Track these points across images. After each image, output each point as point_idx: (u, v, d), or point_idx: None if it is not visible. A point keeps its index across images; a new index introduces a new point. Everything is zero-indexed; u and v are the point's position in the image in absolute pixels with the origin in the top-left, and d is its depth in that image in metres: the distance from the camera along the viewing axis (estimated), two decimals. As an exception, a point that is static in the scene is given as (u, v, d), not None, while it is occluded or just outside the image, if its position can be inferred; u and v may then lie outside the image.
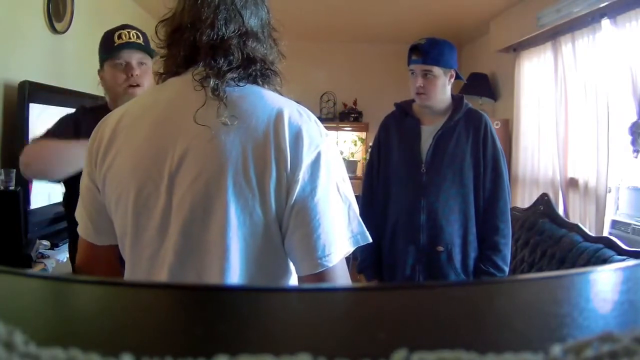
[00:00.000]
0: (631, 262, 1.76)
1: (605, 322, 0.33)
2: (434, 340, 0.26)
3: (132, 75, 1.51)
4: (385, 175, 1.90)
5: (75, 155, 1.31)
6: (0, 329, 0.25)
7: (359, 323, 0.32)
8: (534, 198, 3.22)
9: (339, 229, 0.86)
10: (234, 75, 0.86)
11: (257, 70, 0.89)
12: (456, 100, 1.87)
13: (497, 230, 1.78)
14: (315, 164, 0.84)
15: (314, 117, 0.90)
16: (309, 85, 5.27)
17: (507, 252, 1.80)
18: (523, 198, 3.76)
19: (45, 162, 1.43)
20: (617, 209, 3.01)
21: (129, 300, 0.38)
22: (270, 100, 0.87)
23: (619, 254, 2.18)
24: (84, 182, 0.96)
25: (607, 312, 0.34)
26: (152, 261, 0.89)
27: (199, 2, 0.87)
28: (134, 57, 1.53)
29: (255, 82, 0.90)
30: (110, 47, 1.53)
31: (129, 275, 0.93)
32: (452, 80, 1.84)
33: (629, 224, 2.81)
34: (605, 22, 2.87)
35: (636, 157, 2.64)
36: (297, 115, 0.86)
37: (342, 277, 0.88)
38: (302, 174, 0.83)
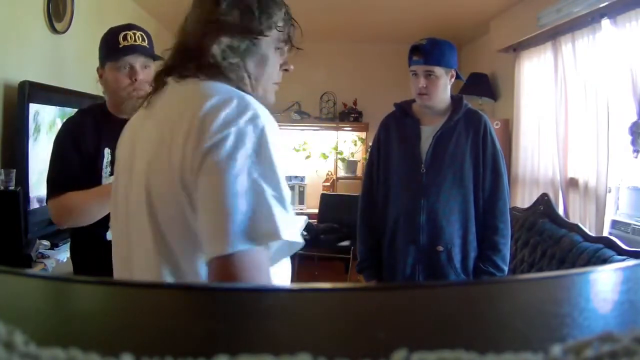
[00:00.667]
0: (631, 262, 1.75)
1: (605, 322, 0.33)
2: (434, 340, 0.26)
3: (135, 79, 1.49)
4: (385, 176, 1.90)
5: (96, 207, 1.42)
6: (0, 329, 0.25)
7: (359, 323, 0.32)
8: (534, 198, 3.22)
9: (236, 217, 0.78)
10: (163, 70, 0.94)
11: (184, 65, 0.91)
12: (455, 100, 1.87)
13: (496, 230, 1.78)
14: (219, 145, 0.79)
15: (248, 105, 0.85)
16: (309, 85, 5.26)
17: (507, 251, 1.80)
18: (523, 198, 3.76)
19: (74, 218, 1.52)
20: (617, 209, 3.01)
21: (129, 300, 0.38)
22: (202, 90, 0.87)
23: (619, 254, 2.18)
24: None
25: (607, 312, 0.34)
26: (115, 246, 0.98)
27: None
28: (138, 61, 1.50)
29: (195, 76, 0.90)
30: (115, 48, 1.49)
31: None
32: (453, 80, 1.84)
33: (629, 224, 2.81)
34: (605, 22, 2.87)
35: (636, 157, 2.64)
36: (221, 101, 0.83)
37: (247, 275, 0.77)
38: (205, 156, 0.79)
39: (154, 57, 1.52)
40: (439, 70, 1.78)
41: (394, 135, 1.91)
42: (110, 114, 1.56)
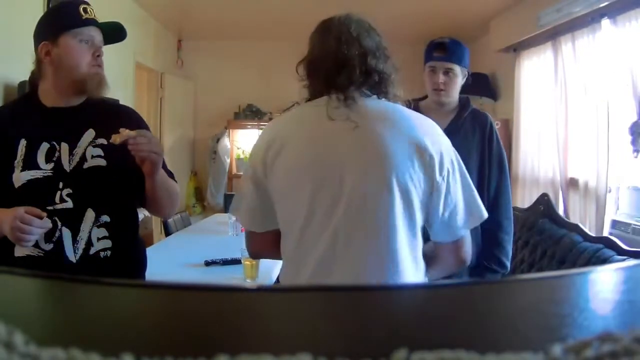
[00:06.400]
0: (631, 262, 1.75)
1: (605, 322, 0.33)
2: (434, 340, 0.26)
3: (98, 55, 1.35)
4: None
5: None
6: (1, 329, 0.25)
7: (359, 323, 0.32)
8: (534, 198, 3.21)
9: None
10: (362, 87, 1.10)
11: (381, 84, 1.12)
12: (462, 100, 1.90)
13: (500, 227, 1.81)
14: None
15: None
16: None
17: (510, 248, 1.84)
18: (523, 198, 3.76)
19: None
20: (617, 209, 3.01)
21: (129, 300, 0.38)
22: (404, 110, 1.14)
23: (619, 254, 2.18)
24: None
25: (607, 312, 0.34)
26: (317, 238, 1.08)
27: (325, 37, 1.14)
28: (98, 38, 1.36)
29: (382, 95, 1.13)
30: (77, 19, 1.33)
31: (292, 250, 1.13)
32: (464, 78, 1.87)
33: (629, 224, 2.81)
34: (605, 22, 2.87)
35: (636, 157, 2.64)
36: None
37: None
38: None
39: (107, 40, 1.40)
40: (457, 69, 1.81)
41: None
42: (38, 103, 1.35)
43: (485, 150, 1.82)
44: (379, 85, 1.12)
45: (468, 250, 1.17)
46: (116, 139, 1.22)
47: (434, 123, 1.16)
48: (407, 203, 1.07)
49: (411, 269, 1.10)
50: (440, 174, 1.08)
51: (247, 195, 1.17)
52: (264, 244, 1.21)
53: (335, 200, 1.05)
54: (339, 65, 1.11)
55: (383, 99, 1.13)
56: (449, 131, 1.81)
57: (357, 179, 1.05)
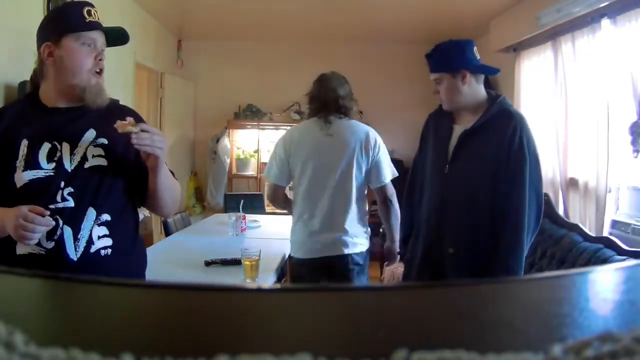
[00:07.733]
0: (631, 262, 1.75)
1: (605, 322, 0.33)
2: (434, 340, 0.26)
3: (100, 59, 1.35)
4: (422, 171, 1.89)
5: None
6: (1, 329, 0.25)
7: (359, 323, 0.32)
8: (534, 198, 3.21)
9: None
10: (335, 114, 2.22)
11: (346, 112, 2.25)
12: (492, 97, 1.78)
13: (507, 242, 1.66)
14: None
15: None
16: (309, 85, 5.25)
17: (518, 267, 1.65)
18: (523, 198, 3.75)
19: None
20: (617, 209, 3.00)
21: (129, 300, 0.38)
22: (357, 124, 2.26)
23: (619, 254, 2.18)
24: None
25: (607, 312, 0.34)
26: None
27: (318, 85, 2.29)
28: (101, 41, 1.36)
29: (346, 116, 2.24)
30: (81, 22, 1.33)
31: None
32: (466, 80, 1.74)
33: (629, 224, 2.81)
34: (605, 22, 2.87)
35: (636, 157, 2.64)
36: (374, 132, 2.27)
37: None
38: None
39: (110, 43, 1.40)
40: (443, 76, 1.74)
41: (432, 132, 1.89)
42: (39, 103, 1.37)
43: (502, 159, 1.65)
44: (345, 113, 2.23)
45: (391, 192, 2.25)
46: (119, 126, 1.23)
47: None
48: (360, 172, 2.19)
49: (360, 208, 2.21)
50: (375, 151, 2.20)
51: (277, 168, 2.28)
52: (281, 193, 2.34)
53: (324, 172, 2.18)
54: (324, 102, 2.23)
55: (346, 118, 2.23)
56: (468, 135, 1.72)
57: (335, 161, 2.18)
